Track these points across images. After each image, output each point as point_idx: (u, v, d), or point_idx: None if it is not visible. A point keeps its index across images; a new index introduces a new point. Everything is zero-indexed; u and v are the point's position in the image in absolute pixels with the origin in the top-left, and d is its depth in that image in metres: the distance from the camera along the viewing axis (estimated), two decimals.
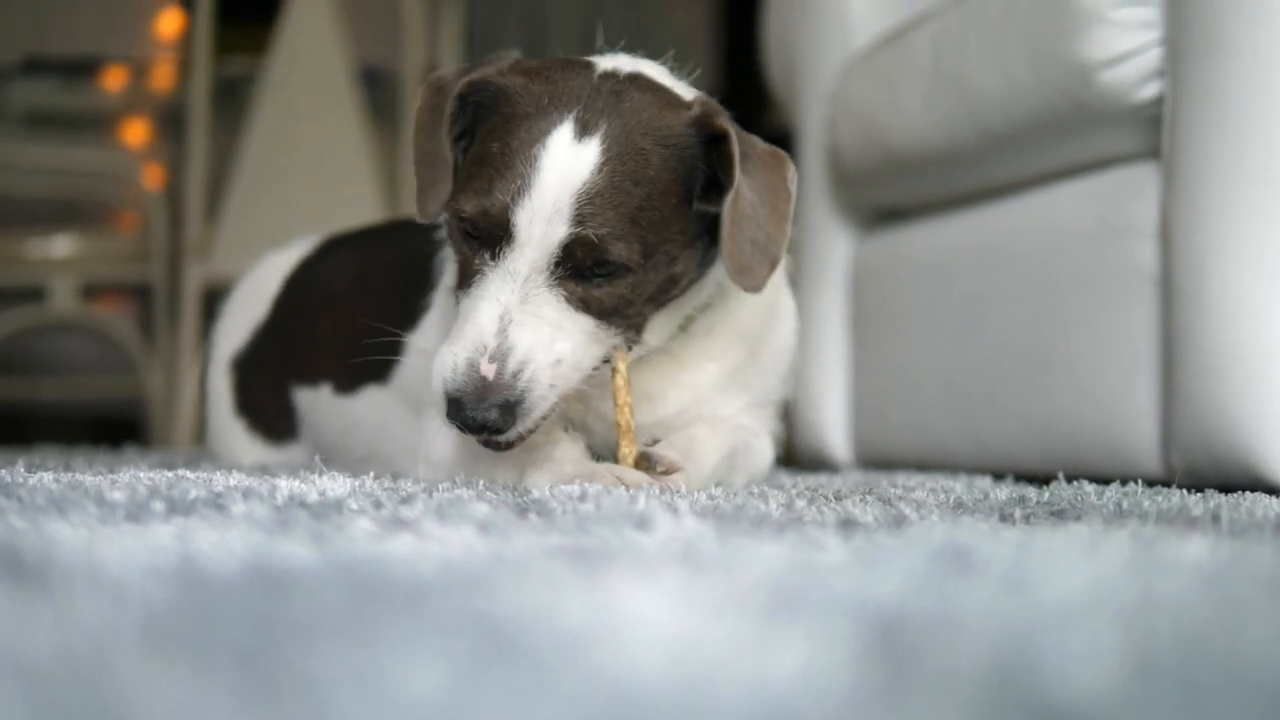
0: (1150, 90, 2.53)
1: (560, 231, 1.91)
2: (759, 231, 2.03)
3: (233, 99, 5.92)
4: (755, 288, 2.04)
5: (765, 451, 2.40)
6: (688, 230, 2.02)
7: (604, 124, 1.96)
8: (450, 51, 5.91)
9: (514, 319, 1.90)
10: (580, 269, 1.93)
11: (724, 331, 2.28)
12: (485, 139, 2.01)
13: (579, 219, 1.91)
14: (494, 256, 1.93)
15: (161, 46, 7.98)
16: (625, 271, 1.96)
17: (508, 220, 1.91)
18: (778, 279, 2.40)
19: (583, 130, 1.95)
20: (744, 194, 2.00)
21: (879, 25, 3.49)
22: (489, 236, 1.94)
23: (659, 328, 2.13)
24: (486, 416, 1.87)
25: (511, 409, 1.88)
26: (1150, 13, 2.50)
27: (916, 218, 3.38)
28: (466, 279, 1.97)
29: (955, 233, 3.17)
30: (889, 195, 3.43)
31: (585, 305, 1.95)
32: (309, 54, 5.48)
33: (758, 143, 2.10)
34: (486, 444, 1.97)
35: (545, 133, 1.95)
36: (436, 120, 2.11)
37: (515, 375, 1.88)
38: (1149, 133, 2.57)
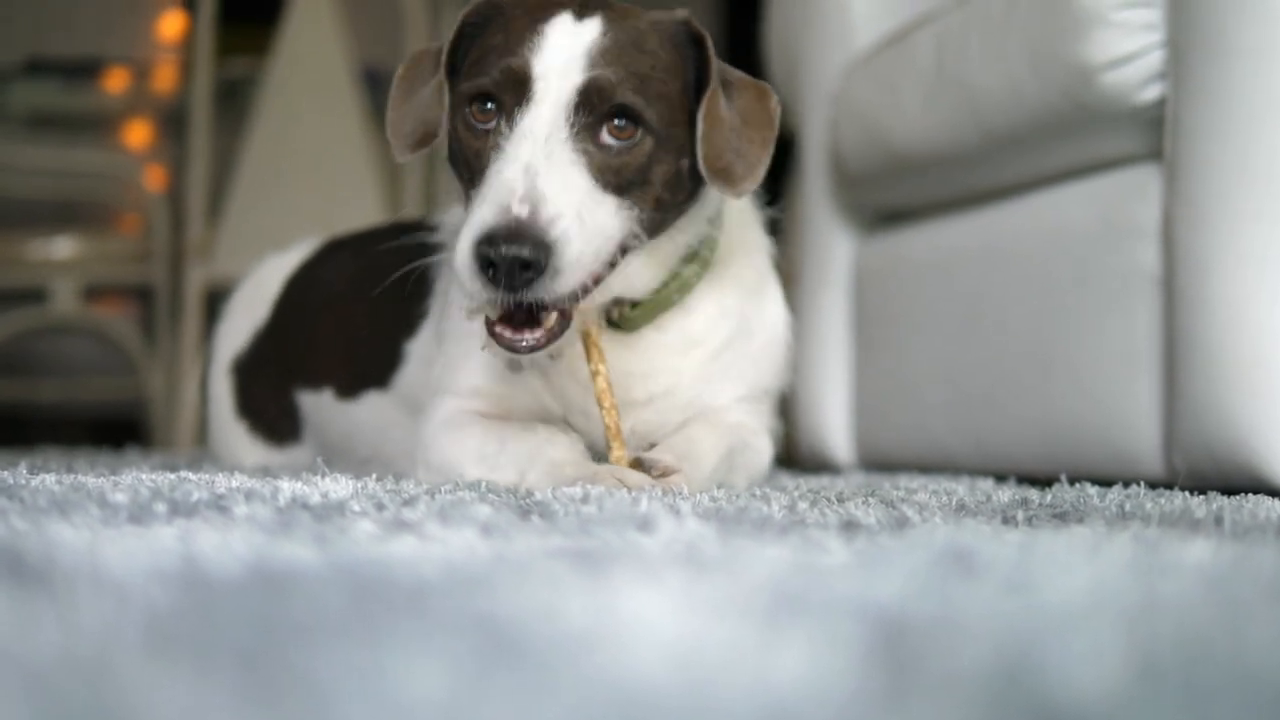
0: (1152, 92, 2.52)
1: (576, 79, 1.93)
2: (739, 142, 2.06)
3: (234, 100, 5.93)
4: (736, 192, 2.07)
5: (764, 450, 2.40)
6: (688, 131, 2.05)
7: (599, 11, 2.01)
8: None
9: (540, 171, 1.88)
10: (597, 120, 1.94)
11: (706, 305, 2.28)
12: (485, 42, 2.03)
13: (591, 65, 1.95)
14: (506, 127, 1.93)
15: (163, 48, 7.98)
16: (642, 132, 1.98)
17: (527, 73, 1.93)
18: (761, 264, 2.40)
19: (581, 14, 2.00)
20: (722, 104, 2.04)
21: (881, 26, 3.49)
22: (507, 96, 1.94)
23: (650, 267, 2.15)
24: (521, 252, 1.80)
25: (547, 252, 1.82)
26: (1152, 14, 2.50)
27: (918, 219, 3.38)
28: (480, 165, 1.95)
29: (957, 234, 3.17)
30: (891, 196, 3.43)
31: (604, 177, 1.94)
32: (311, 55, 5.48)
33: (743, 75, 2.15)
34: (510, 335, 1.92)
35: (546, 19, 1.99)
36: (417, 76, 2.14)
37: (549, 222, 1.84)
38: (1151, 134, 2.57)
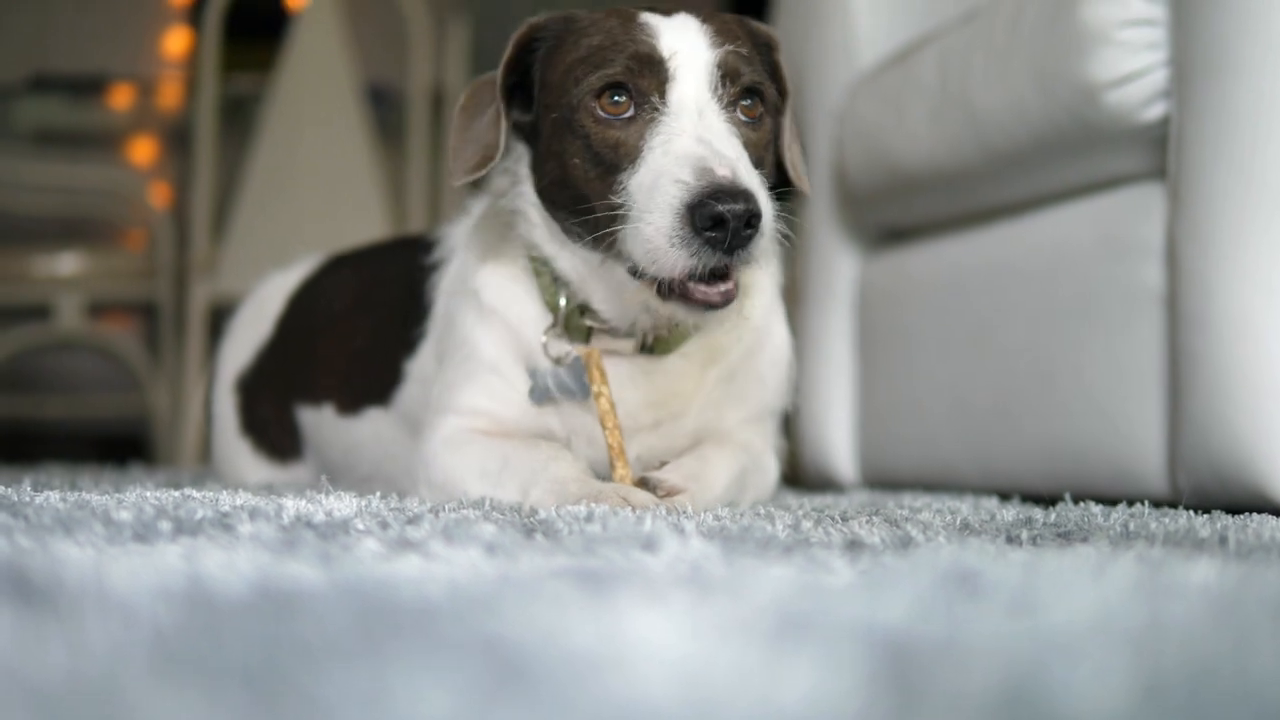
0: (1156, 111, 2.53)
1: (707, 55, 1.99)
2: (796, 146, 2.20)
3: (239, 117, 5.94)
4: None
5: (771, 470, 2.41)
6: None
7: (679, 12, 2.10)
8: (456, 70, 5.91)
9: (712, 140, 1.92)
10: (734, 94, 2.01)
11: (699, 354, 2.30)
12: (573, 50, 2.07)
13: (718, 43, 2.02)
14: (653, 106, 1.98)
15: (168, 65, 8.01)
16: (763, 111, 2.06)
17: (660, 56, 1.98)
18: (768, 286, 2.42)
19: (663, 13, 2.08)
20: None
21: (885, 45, 3.49)
22: (645, 80, 1.99)
23: None
24: (750, 206, 1.82)
25: (758, 216, 1.85)
26: (1156, 33, 2.50)
27: (923, 237, 3.38)
28: (626, 151, 1.97)
29: (961, 253, 3.17)
30: (895, 215, 3.43)
31: (745, 146, 1.99)
32: (315, 72, 5.49)
33: None
34: (705, 290, 1.91)
35: (632, 17, 2.07)
36: (477, 106, 2.16)
37: (748, 181, 1.87)
38: (1155, 153, 2.57)
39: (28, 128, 6.67)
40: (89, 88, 6.80)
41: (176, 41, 8.22)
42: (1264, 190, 2.28)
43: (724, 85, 1.99)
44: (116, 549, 1.25)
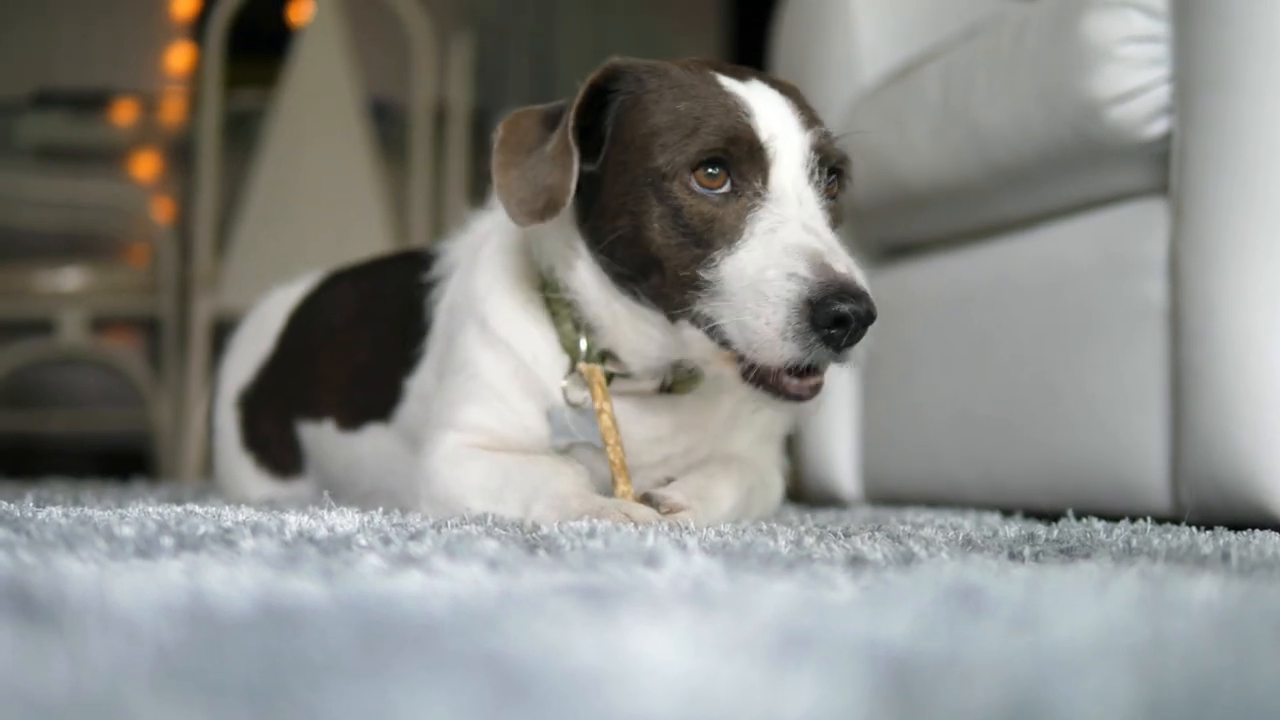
0: (1159, 127, 2.53)
1: (801, 138, 1.98)
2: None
3: (242, 132, 5.95)
4: None
5: (776, 486, 2.41)
6: None
7: (748, 75, 2.08)
8: (459, 85, 5.92)
9: (818, 230, 1.92)
10: (821, 177, 2.00)
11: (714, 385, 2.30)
12: (652, 109, 2.03)
13: (805, 124, 2.00)
14: (755, 190, 1.95)
15: (171, 80, 8.02)
16: (839, 189, 2.06)
17: (760, 140, 1.95)
18: None
19: (739, 78, 2.05)
20: None
21: (888, 61, 3.50)
22: (746, 164, 1.96)
23: None
24: (870, 307, 1.82)
25: (873, 318, 1.85)
26: (1159, 49, 2.50)
27: (925, 253, 3.38)
28: (723, 229, 1.94)
29: (964, 269, 3.17)
30: (898, 230, 3.43)
31: (832, 227, 1.99)
32: (318, 88, 5.50)
33: None
34: (798, 384, 1.91)
35: (714, 81, 2.03)
36: (520, 140, 2.10)
37: (860, 278, 1.86)
38: (1157, 169, 2.58)
39: (31, 143, 6.69)
40: (92, 103, 6.82)
41: (179, 57, 8.24)
42: (1266, 205, 2.28)
43: (819, 170, 1.99)
44: (119, 565, 1.25)
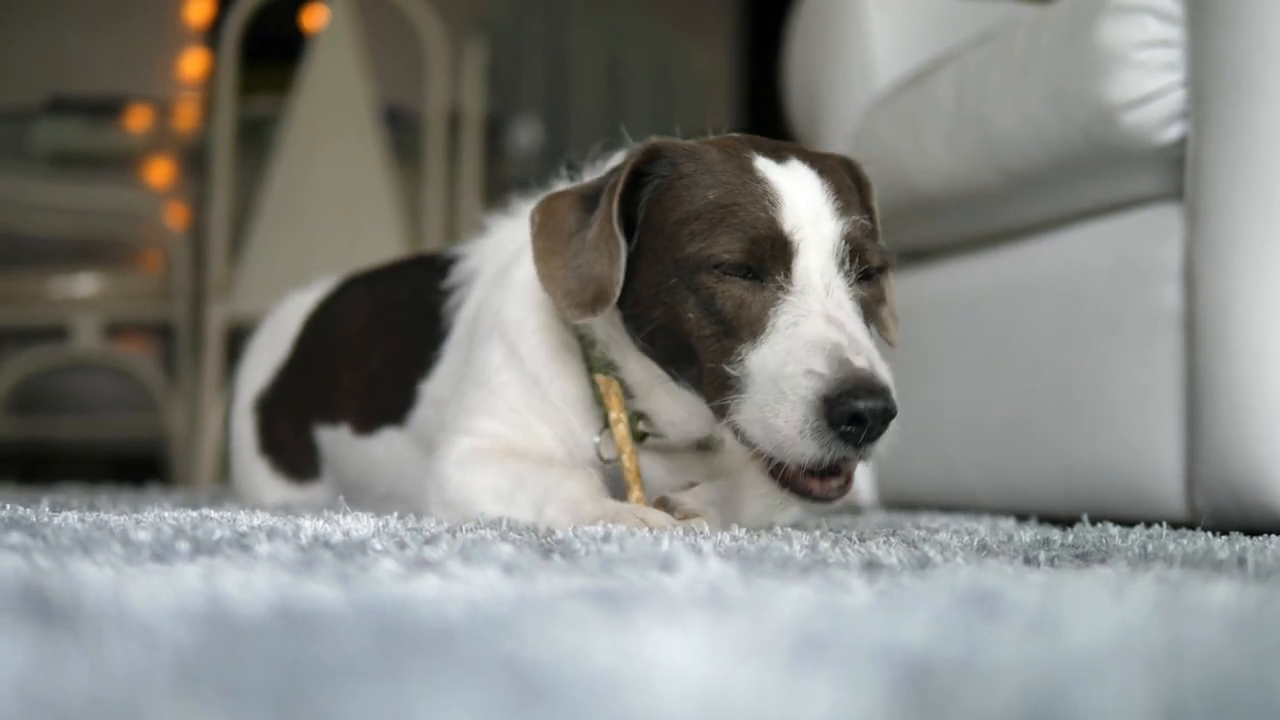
0: (1173, 132, 2.53)
1: (833, 226, 1.93)
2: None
3: (256, 139, 5.96)
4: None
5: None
6: None
7: (788, 154, 2.02)
8: (472, 92, 5.93)
9: (844, 321, 1.87)
10: (852, 268, 1.95)
11: None
12: (683, 196, 1.99)
13: (840, 212, 1.95)
14: (778, 284, 1.91)
15: (185, 86, 8.04)
16: (878, 271, 2.01)
17: (783, 232, 1.91)
18: None
19: (777, 159, 2.00)
20: None
21: (901, 66, 3.50)
22: (769, 259, 1.91)
23: None
24: (888, 405, 1.79)
25: (893, 414, 1.81)
26: (1173, 54, 2.50)
27: (939, 258, 3.38)
28: (748, 318, 1.91)
29: (978, 274, 3.17)
30: (912, 236, 3.43)
31: (861, 314, 1.95)
32: (332, 94, 5.50)
33: None
34: (820, 486, 1.88)
35: (748, 165, 1.98)
36: (559, 225, 2.07)
37: (883, 373, 1.83)
38: (1172, 174, 2.57)
39: (45, 150, 6.69)
40: (106, 110, 6.83)
41: (193, 63, 8.25)
42: None
43: (852, 261, 1.94)
44: (135, 569, 1.25)
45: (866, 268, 1.96)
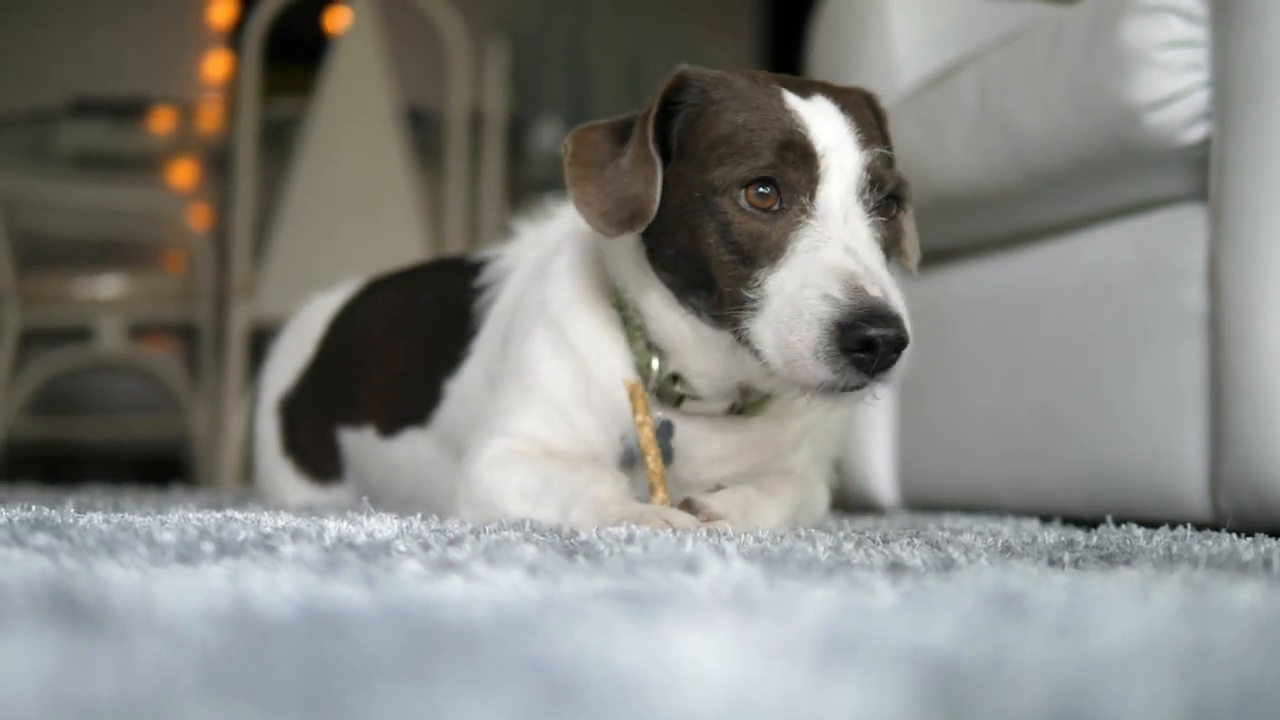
0: (1198, 132, 2.52)
1: (855, 157, 1.96)
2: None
3: (279, 140, 5.96)
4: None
5: (823, 500, 2.41)
6: None
7: (818, 89, 2.05)
8: (495, 92, 5.93)
9: (860, 251, 1.90)
10: (875, 200, 1.98)
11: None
12: (713, 121, 2.03)
13: (864, 143, 1.98)
14: (801, 206, 1.94)
15: (209, 88, 8.06)
16: (897, 207, 2.04)
17: (813, 150, 1.95)
18: None
19: (802, 94, 2.03)
20: None
21: (924, 66, 3.49)
22: (795, 175, 1.95)
23: None
24: (901, 333, 1.82)
25: (906, 342, 1.84)
26: (1198, 54, 2.49)
27: (963, 258, 3.37)
28: (768, 246, 1.94)
29: (1001, 274, 3.16)
30: (934, 236, 3.42)
31: (883, 248, 1.99)
32: (355, 95, 5.51)
33: None
34: (847, 388, 1.88)
35: (776, 94, 2.02)
36: (592, 152, 2.11)
37: (897, 302, 1.85)
38: (1196, 174, 2.57)
39: (69, 151, 6.71)
40: (130, 111, 6.84)
41: (217, 65, 8.28)
42: None
43: (871, 190, 1.97)
44: (160, 570, 1.26)
45: (885, 198, 2.00)
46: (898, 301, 1.85)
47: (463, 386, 2.52)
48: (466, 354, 2.51)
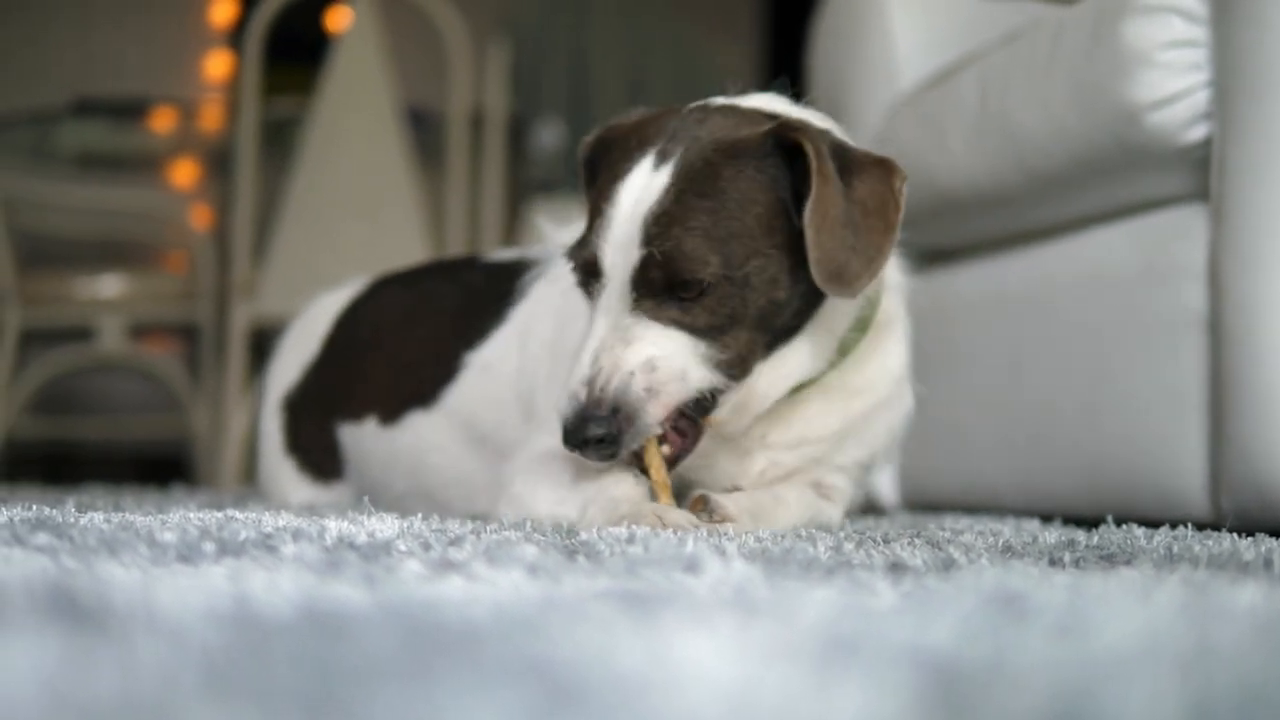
0: (1198, 132, 2.52)
1: (634, 256, 1.98)
2: (856, 237, 2.03)
3: (280, 140, 5.96)
4: (850, 293, 2.04)
5: (835, 518, 2.36)
6: (785, 249, 2.03)
7: (679, 150, 2.02)
8: (496, 92, 5.93)
9: (606, 347, 1.98)
10: (660, 290, 1.99)
11: (867, 368, 2.33)
12: (597, 190, 2.10)
13: (647, 240, 1.97)
14: (594, 299, 2.04)
15: (209, 88, 8.06)
16: (706, 287, 1.99)
17: (597, 260, 2.01)
18: (900, 331, 2.41)
19: (660, 160, 2.02)
20: (833, 200, 2.00)
21: (925, 66, 3.49)
22: (591, 280, 2.04)
23: (809, 357, 2.17)
24: (592, 433, 1.95)
25: (614, 422, 1.95)
26: (1198, 54, 2.49)
27: (963, 259, 3.37)
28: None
29: (1002, 274, 3.16)
30: (936, 236, 3.42)
31: (679, 326, 2.00)
32: (356, 95, 5.51)
33: (862, 153, 2.15)
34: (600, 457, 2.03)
35: (628, 171, 2.04)
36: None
37: (603, 390, 1.95)
38: (1197, 175, 2.56)
39: (70, 151, 6.71)
40: (130, 111, 6.83)
41: (218, 65, 8.28)
42: None
43: (646, 282, 2.00)
44: (161, 570, 1.26)
45: (679, 291, 2.00)
46: (596, 401, 1.96)
47: (487, 355, 2.54)
48: (500, 322, 2.54)
